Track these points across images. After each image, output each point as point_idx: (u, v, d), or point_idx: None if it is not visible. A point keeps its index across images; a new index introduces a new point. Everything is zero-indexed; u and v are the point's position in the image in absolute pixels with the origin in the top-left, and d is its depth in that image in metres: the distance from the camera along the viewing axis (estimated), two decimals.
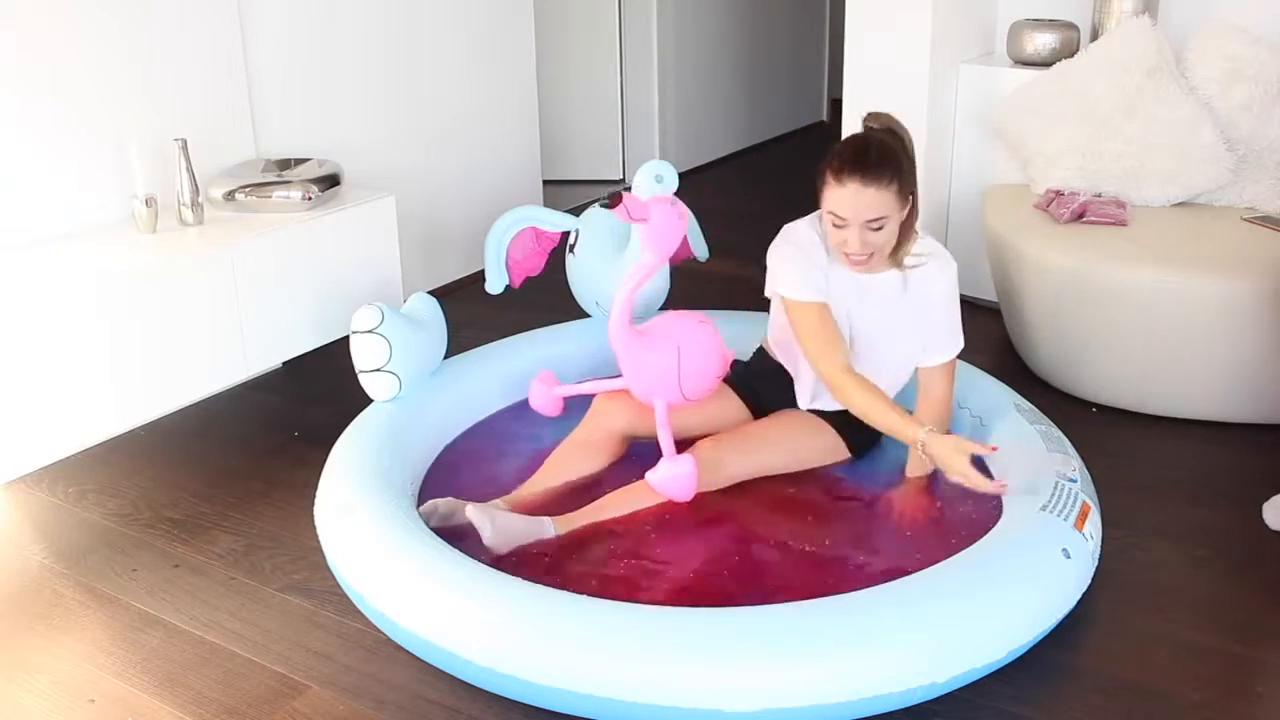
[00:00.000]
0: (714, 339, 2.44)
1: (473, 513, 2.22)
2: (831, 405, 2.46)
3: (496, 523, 2.21)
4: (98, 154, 2.80)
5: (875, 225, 2.22)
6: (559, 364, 2.83)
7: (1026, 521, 2.11)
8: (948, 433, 2.36)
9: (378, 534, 2.11)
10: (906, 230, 2.30)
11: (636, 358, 2.40)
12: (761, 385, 2.58)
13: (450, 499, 2.32)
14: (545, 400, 2.65)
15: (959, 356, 2.44)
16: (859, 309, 2.37)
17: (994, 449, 2.29)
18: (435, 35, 3.80)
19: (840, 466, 2.52)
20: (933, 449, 2.21)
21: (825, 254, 2.36)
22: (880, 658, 1.82)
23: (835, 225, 2.25)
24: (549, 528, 2.27)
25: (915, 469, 2.45)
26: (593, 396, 2.59)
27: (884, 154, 2.21)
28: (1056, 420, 2.55)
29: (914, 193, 2.27)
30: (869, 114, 2.32)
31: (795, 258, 2.34)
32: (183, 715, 1.94)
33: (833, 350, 2.31)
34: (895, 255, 2.32)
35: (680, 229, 2.38)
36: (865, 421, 2.32)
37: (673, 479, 2.29)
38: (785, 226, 2.40)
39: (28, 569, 2.38)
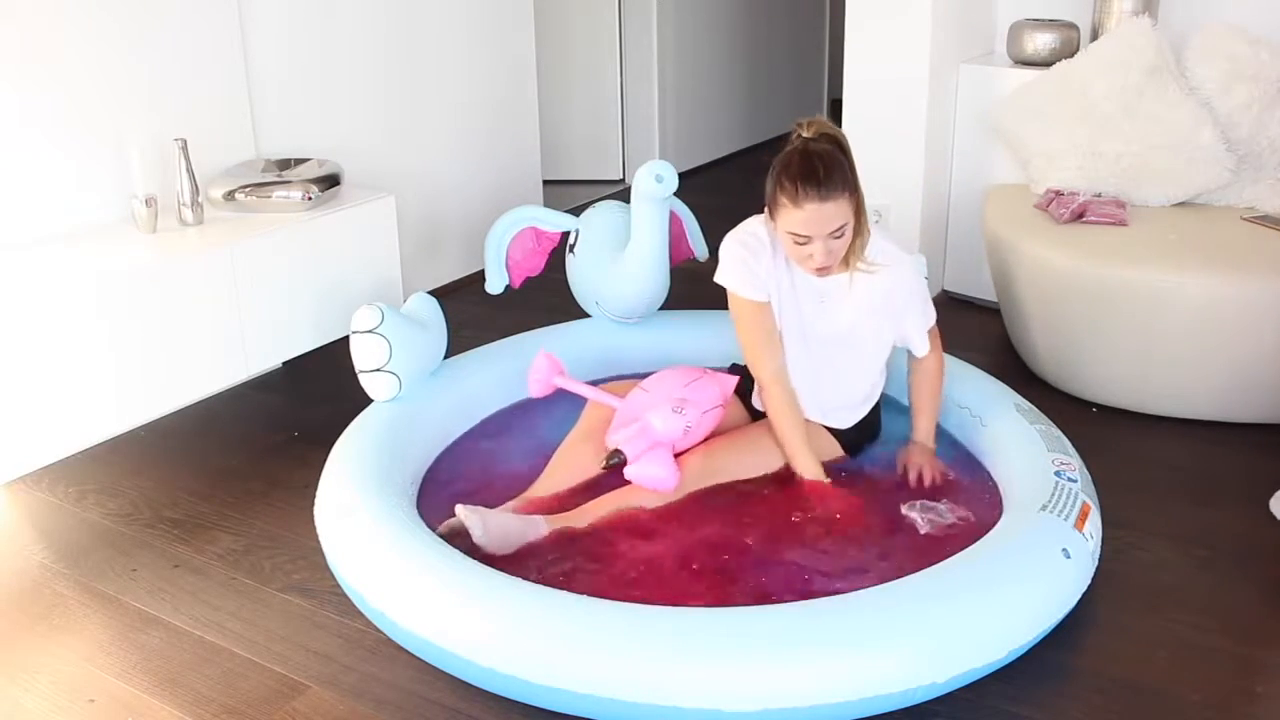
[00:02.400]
0: (714, 399, 2.44)
1: (463, 512, 2.22)
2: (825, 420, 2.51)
3: (487, 522, 2.21)
4: (98, 154, 2.80)
5: (837, 234, 2.24)
6: None
7: (1026, 521, 2.11)
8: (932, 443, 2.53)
9: (378, 534, 2.11)
10: (860, 222, 2.30)
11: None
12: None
13: (450, 520, 2.29)
14: (542, 384, 2.62)
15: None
16: (819, 306, 2.41)
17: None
18: (435, 35, 3.80)
19: (837, 465, 2.52)
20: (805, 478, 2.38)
21: (773, 257, 2.38)
22: (880, 658, 1.81)
23: (797, 243, 2.25)
24: (542, 527, 2.27)
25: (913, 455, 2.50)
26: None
27: (831, 165, 2.20)
28: (1056, 420, 2.55)
29: (859, 190, 2.27)
30: (802, 122, 2.28)
31: (744, 257, 2.37)
32: (183, 715, 1.94)
33: (769, 352, 2.39)
34: (853, 245, 2.32)
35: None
36: (775, 428, 2.42)
37: (649, 474, 2.29)
38: (745, 221, 2.43)
39: (28, 569, 2.38)
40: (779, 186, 2.22)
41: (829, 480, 2.40)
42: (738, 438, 2.47)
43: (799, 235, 2.24)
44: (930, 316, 2.48)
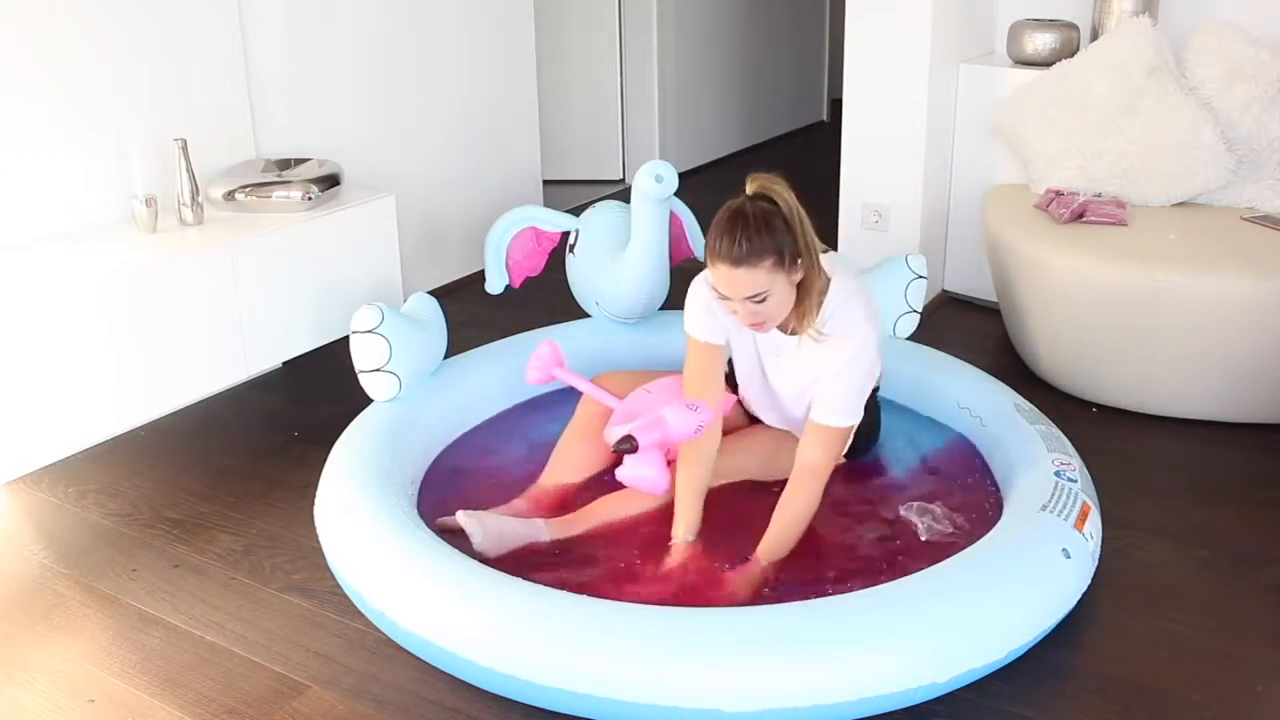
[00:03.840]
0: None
1: (463, 518, 2.22)
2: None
3: (487, 527, 2.22)
4: (98, 154, 2.80)
5: (757, 299, 2.11)
6: None
7: (1026, 521, 2.11)
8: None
9: (378, 534, 2.11)
10: (807, 288, 2.16)
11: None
12: None
13: (445, 518, 2.30)
14: (541, 371, 2.61)
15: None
16: (775, 362, 2.36)
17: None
18: (435, 35, 3.80)
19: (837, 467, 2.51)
20: (670, 557, 2.22)
21: None
22: (880, 658, 1.82)
23: (721, 298, 2.17)
24: (542, 530, 2.28)
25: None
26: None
27: (753, 231, 2.05)
28: (1056, 420, 2.55)
29: (801, 255, 2.11)
30: (750, 177, 2.14)
31: (707, 302, 2.30)
32: (183, 715, 1.94)
33: (705, 396, 2.30)
34: (800, 310, 2.19)
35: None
36: (677, 477, 2.30)
37: (641, 476, 2.29)
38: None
39: (28, 569, 2.38)
40: (706, 239, 2.14)
41: (691, 542, 2.25)
42: (737, 441, 2.47)
43: (718, 291, 2.16)
44: (850, 413, 2.24)
